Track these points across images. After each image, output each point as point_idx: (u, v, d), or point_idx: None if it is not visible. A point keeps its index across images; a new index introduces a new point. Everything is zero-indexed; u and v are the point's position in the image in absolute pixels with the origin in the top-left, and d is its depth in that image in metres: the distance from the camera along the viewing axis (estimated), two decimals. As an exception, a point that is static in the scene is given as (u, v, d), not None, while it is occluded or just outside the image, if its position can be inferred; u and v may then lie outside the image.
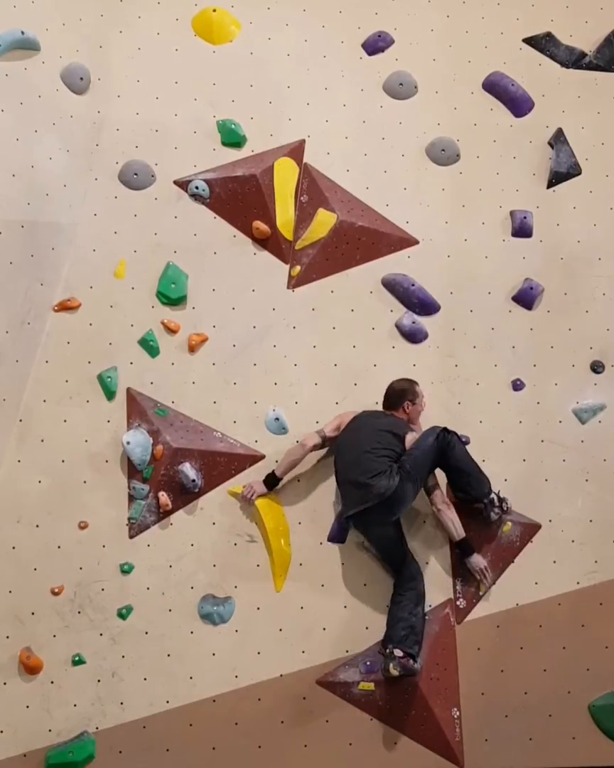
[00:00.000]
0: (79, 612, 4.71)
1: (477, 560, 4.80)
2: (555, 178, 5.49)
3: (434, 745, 4.69)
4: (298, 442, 4.88)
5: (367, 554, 4.87)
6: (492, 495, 4.82)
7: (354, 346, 5.18)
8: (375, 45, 5.61)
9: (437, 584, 4.87)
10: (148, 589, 4.77)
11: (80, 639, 4.68)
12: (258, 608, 4.80)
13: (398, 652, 4.56)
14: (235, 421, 5.02)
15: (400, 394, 4.91)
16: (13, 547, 4.72)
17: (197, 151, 5.35)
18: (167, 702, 4.66)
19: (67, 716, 4.60)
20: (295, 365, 5.10)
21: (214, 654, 4.73)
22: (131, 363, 5.04)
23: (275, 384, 5.10)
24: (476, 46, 5.65)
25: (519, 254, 5.38)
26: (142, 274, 5.16)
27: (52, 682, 4.62)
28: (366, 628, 4.80)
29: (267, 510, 4.86)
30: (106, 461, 4.88)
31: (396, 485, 4.57)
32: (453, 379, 5.19)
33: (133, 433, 4.85)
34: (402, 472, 4.61)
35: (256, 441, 5.01)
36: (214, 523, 4.89)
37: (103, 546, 4.79)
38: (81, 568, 4.75)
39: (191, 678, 4.70)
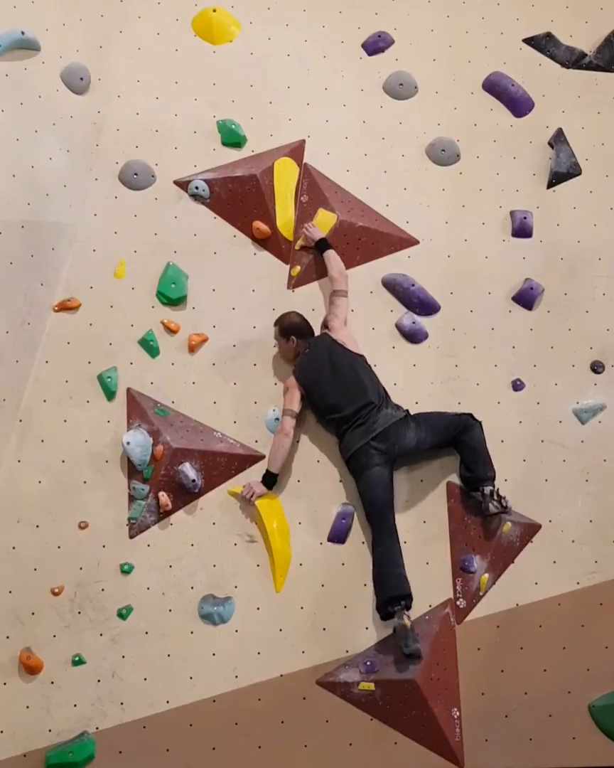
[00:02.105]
0: (79, 612, 4.71)
1: None
2: (555, 178, 5.50)
3: (434, 745, 4.69)
4: (277, 433, 4.88)
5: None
6: (494, 487, 4.83)
7: (354, 346, 5.18)
8: (375, 45, 5.61)
9: (437, 584, 4.87)
10: (148, 589, 4.77)
11: (80, 639, 4.68)
12: (258, 608, 4.81)
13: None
14: (235, 421, 5.02)
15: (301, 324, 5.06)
16: (13, 547, 4.71)
17: (197, 151, 5.36)
18: (167, 702, 4.66)
19: (67, 716, 4.60)
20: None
21: (214, 654, 4.73)
22: (131, 363, 5.05)
23: (275, 384, 5.10)
24: (476, 46, 5.66)
25: (519, 254, 5.38)
26: (142, 274, 5.17)
27: (52, 682, 4.62)
28: (366, 628, 4.80)
29: (267, 510, 4.86)
30: (106, 461, 4.88)
31: (406, 413, 4.86)
32: (453, 379, 5.19)
33: (133, 433, 4.85)
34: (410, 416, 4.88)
35: (256, 441, 5.01)
36: (214, 523, 4.89)
37: (103, 546, 4.79)
38: (81, 568, 4.75)
39: (191, 678, 4.70)
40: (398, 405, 4.94)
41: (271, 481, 4.87)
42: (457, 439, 4.91)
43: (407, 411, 4.91)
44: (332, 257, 5.14)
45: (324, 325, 5.12)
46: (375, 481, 4.80)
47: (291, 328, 5.03)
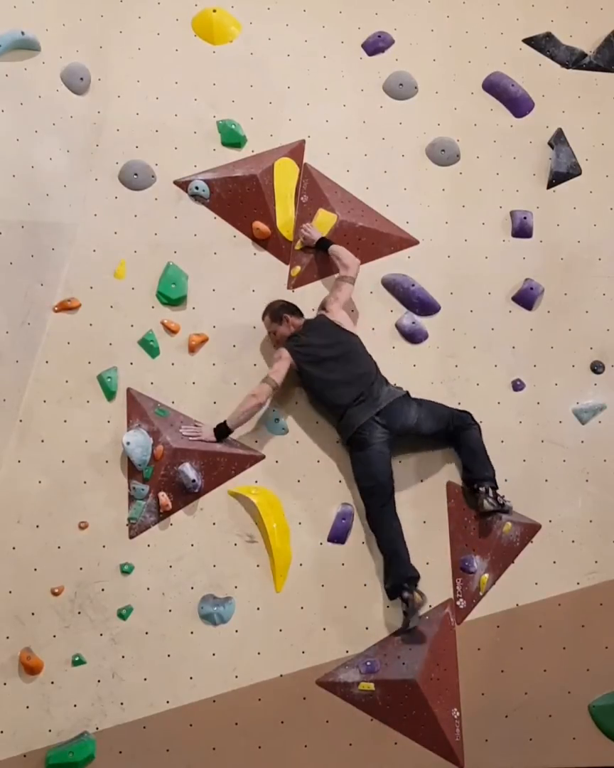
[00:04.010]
0: (79, 612, 4.71)
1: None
2: (555, 178, 5.50)
3: (434, 745, 4.69)
4: (249, 395, 4.86)
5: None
6: (493, 486, 4.83)
7: (354, 346, 5.18)
8: (375, 45, 5.61)
9: (437, 584, 4.87)
10: (148, 589, 4.77)
11: (80, 639, 4.68)
12: (258, 608, 4.81)
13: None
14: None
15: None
16: (13, 548, 4.71)
17: (197, 151, 5.35)
18: (167, 702, 4.65)
19: (67, 716, 4.60)
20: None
21: (214, 654, 4.73)
22: (131, 363, 5.05)
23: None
24: (476, 46, 5.66)
25: (519, 254, 5.38)
26: (142, 275, 5.16)
27: (52, 683, 4.62)
28: (367, 628, 4.80)
29: (267, 510, 4.86)
30: (106, 461, 4.88)
31: (406, 392, 4.89)
32: (453, 379, 5.19)
33: (133, 434, 4.85)
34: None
35: (256, 441, 5.00)
36: (214, 523, 4.89)
37: (103, 546, 4.79)
38: (81, 569, 4.75)
39: (191, 678, 4.70)
40: (398, 385, 4.96)
41: (223, 433, 4.88)
42: (455, 436, 4.92)
43: (407, 391, 4.92)
44: (340, 249, 5.13)
45: (322, 307, 5.12)
46: (377, 458, 4.79)
47: (282, 308, 5.03)
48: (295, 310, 5.07)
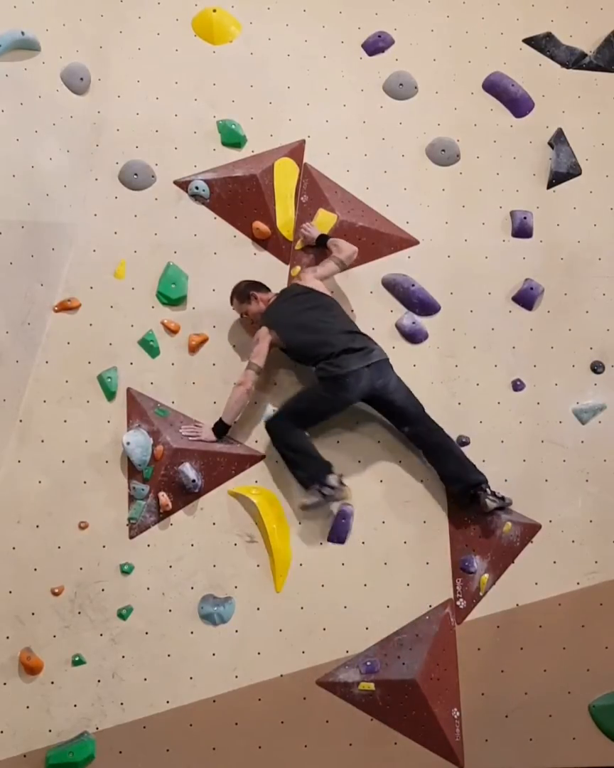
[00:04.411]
0: (79, 612, 4.71)
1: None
2: (555, 178, 5.49)
3: (434, 745, 4.69)
4: (236, 384, 4.87)
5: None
6: (487, 487, 4.84)
7: (354, 346, 5.17)
8: (375, 45, 5.61)
9: (437, 584, 4.87)
10: (148, 589, 4.77)
11: (80, 639, 4.68)
12: (258, 608, 4.81)
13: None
14: (234, 421, 5.01)
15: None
16: (13, 548, 4.72)
17: (197, 151, 5.35)
18: (167, 702, 4.66)
19: (67, 716, 4.60)
20: (296, 366, 5.10)
21: (214, 654, 4.73)
22: (131, 363, 5.05)
23: (275, 384, 5.10)
24: (476, 46, 5.65)
25: (519, 254, 5.38)
26: (142, 275, 5.17)
27: (52, 683, 4.62)
28: (367, 628, 4.80)
29: (267, 510, 4.86)
30: (106, 461, 4.88)
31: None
32: (453, 379, 5.19)
33: (133, 434, 4.85)
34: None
35: (256, 441, 5.00)
36: (214, 523, 4.89)
37: (103, 546, 4.79)
38: (81, 569, 4.75)
39: (191, 678, 4.70)
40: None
41: (221, 430, 4.88)
42: (427, 441, 4.89)
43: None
44: (338, 240, 5.13)
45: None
46: (334, 406, 4.82)
47: (247, 287, 5.02)
48: (261, 286, 5.06)
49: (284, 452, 4.85)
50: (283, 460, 4.88)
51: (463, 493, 4.86)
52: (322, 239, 5.16)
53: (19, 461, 4.81)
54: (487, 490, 4.82)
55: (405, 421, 4.91)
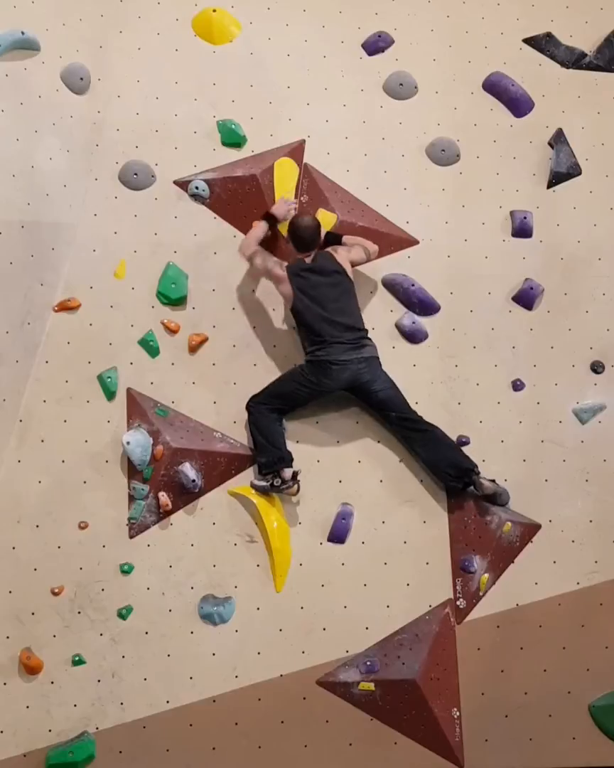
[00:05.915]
0: (79, 612, 4.71)
1: None
2: (555, 178, 5.49)
3: (434, 745, 4.69)
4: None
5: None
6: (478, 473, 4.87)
7: (354, 346, 5.18)
8: (375, 45, 5.61)
9: (437, 584, 4.87)
10: (148, 589, 4.77)
11: (80, 639, 4.68)
12: (258, 608, 4.81)
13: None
14: (234, 421, 5.01)
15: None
16: (13, 547, 4.72)
17: (197, 151, 5.35)
18: (167, 702, 4.66)
19: (67, 716, 4.60)
20: (296, 366, 5.10)
21: (214, 654, 4.73)
22: (131, 363, 5.05)
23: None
24: (476, 46, 5.65)
25: (519, 254, 5.38)
26: (142, 274, 5.16)
27: (52, 682, 4.62)
28: (367, 628, 4.80)
29: (267, 510, 4.87)
30: (106, 461, 4.88)
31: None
32: (453, 379, 5.19)
33: (133, 433, 4.85)
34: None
35: (256, 441, 5.01)
36: (214, 523, 4.89)
37: (103, 546, 4.79)
38: (81, 568, 4.75)
39: (191, 678, 4.70)
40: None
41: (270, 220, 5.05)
42: (419, 437, 4.91)
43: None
44: (359, 238, 5.15)
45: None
46: (316, 391, 4.88)
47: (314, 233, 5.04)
48: (307, 247, 5.04)
49: (254, 434, 4.91)
50: (251, 439, 4.93)
51: (457, 478, 4.87)
52: (330, 236, 5.16)
53: (19, 461, 4.81)
54: (480, 474, 4.85)
55: (391, 410, 4.95)
